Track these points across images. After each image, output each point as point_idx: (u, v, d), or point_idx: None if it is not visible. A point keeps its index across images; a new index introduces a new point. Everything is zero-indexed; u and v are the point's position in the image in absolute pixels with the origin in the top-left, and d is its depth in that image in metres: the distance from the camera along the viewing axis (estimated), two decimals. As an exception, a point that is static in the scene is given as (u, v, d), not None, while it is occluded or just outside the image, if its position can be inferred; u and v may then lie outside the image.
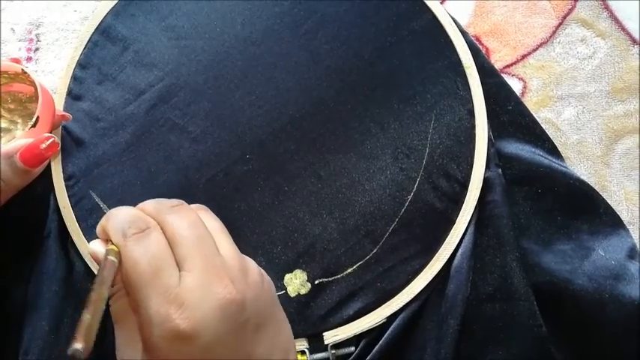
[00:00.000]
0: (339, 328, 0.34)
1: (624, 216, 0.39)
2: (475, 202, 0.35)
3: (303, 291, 0.35)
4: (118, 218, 0.24)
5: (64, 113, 0.36)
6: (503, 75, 0.41)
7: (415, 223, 0.35)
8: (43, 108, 0.31)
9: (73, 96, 0.38)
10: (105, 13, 0.39)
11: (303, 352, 0.34)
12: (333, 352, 0.34)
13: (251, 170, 0.36)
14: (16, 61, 0.34)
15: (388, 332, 0.34)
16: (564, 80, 0.41)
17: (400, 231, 0.35)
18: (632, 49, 0.41)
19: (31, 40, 0.43)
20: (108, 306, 0.23)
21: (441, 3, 0.42)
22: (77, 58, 0.38)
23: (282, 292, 0.35)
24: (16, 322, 0.35)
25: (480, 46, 0.41)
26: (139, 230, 0.23)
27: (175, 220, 0.24)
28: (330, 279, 0.35)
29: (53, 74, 0.42)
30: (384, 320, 0.34)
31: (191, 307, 0.21)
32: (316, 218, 0.35)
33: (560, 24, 0.42)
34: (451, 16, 0.38)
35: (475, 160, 0.36)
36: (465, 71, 0.37)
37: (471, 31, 0.42)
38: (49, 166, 0.36)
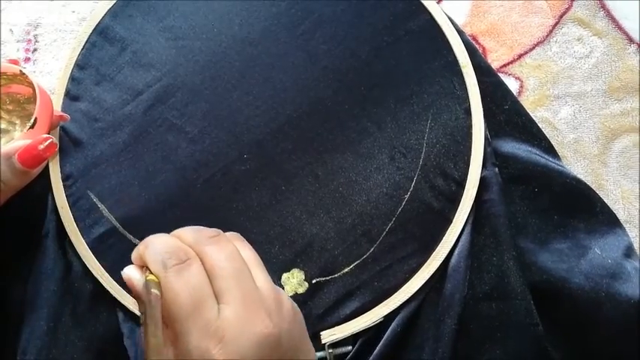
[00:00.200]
0: (336, 327, 0.34)
1: (621, 215, 0.39)
2: (472, 202, 0.35)
3: (301, 290, 0.35)
4: (157, 247, 0.23)
5: (62, 114, 0.36)
6: (500, 74, 0.41)
7: (412, 222, 0.35)
8: (41, 109, 0.32)
9: (70, 96, 0.38)
10: (103, 14, 0.39)
11: (300, 351, 0.34)
12: (330, 351, 0.34)
13: (249, 170, 0.36)
14: (14, 62, 0.34)
15: (387, 333, 0.34)
16: (561, 79, 0.42)
17: (397, 230, 0.35)
18: (629, 48, 0.41)
19: (30, 40, 0.43)
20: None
21: (438, 3, 0.42)
22: (75, 58, 0.38)
23: (280, 291, 0.35)
24: (15, 321, 0.35)
25: (477, 46, 0.41)
26: (179, 261, 0.23)
27: (214, 251, 0.24)
28: (327, 278, 0.35)
29: (51, 75, 0.43)
30: (381, 319, 0.34)
31: (230, 342, 0.21)
32: (314, 217, 0.36)
33: (556, 23, 0.42)
34: (448, 16, 0.38)
35: (472, 159, 0.36)
36: (461, 71, 0.37)
37: (467, 31, 0.42)
38: (47, 167, 0.36)
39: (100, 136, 0.37)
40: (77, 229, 0.36)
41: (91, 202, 0.36)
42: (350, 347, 0.34)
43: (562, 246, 0.36)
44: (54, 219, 0.36)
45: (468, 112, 0.36)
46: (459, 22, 0.42)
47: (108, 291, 0.35)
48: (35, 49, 0.43)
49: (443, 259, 0.34)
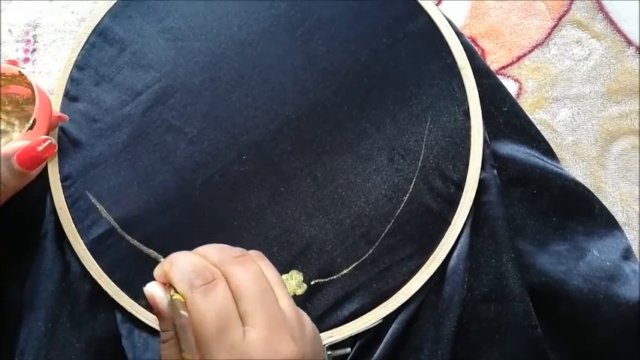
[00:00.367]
0: (334, 329, 0.34)
1: (619, 217, 0.39)
2: (471, 203, 0.35)
3: (299, 292, 0.35)
4: (183, 266, 0.23)
5: (60, 114, 0.36)
6: (499, 76, 0.41)
7: (411, 224, 0.35)
8: (40, 110, 0.32)
9: (69, 97, 0.38)
10: (102, 15, 0.39)
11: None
12: (329, 353, 0.34)
13: (247, 171, 0.36)
14: (13, 63, 0.34)
15: (387, 336, 0.34)
16: (560, 82, 0.42)
17: (396, 232, 0.35)
18: (628, 51, 0.42)
19: (29, 41, 0.43)
20: None
21: (437, 5, 0.42)
22: (74, 59, 0.38)
23: (278, 292, 0.35)
24: (13, 322, 0.35)
25: (476, 48, 0.41)
26: (205, 281, 0.23)
27: (240, 272, 0.24)
28: (326, 280, 0.35)
29: (50, 75, 0.43)
30: (380, 321, 0.34)
31: None
32: (312, 219, 0.36)
33: (555, 25, 0.42)
34: (447, 18, 0.38)
35: (470, 161, 0.36)
36: (460, 73, 0.37)
37: (466, 33, 0.42)
38: (46, 167, 0.36)
39: (98, 137, 0.37)
40: (75, 229, 0.36)
41: (90, 203, 0.36)
42: (349, 349, 0.34)
43: (560, 248, 0.36)
44: (52, 219, 0.36)
45: (466, 114, 0.36)
46: (458, 24, 0.42)
47: (106, 292, 0.35)
48: (34, 50, 0.43)
49: (442, 261, 0.35)
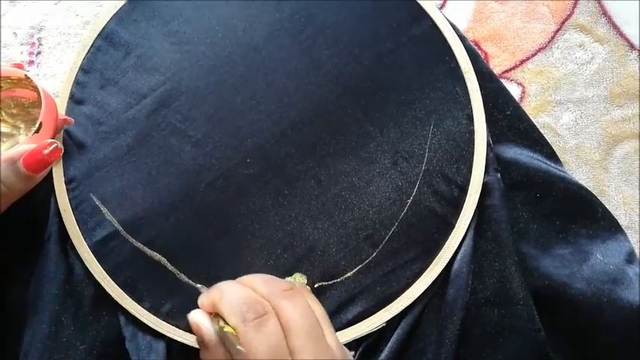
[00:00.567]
0: (338, 333, 0.34)
1: (622, 220, 0.39)
2: (474, 207, 0.35)
3: (303, 294, 0.35)
4: (233, 298, 0.23)
5: (66, 117, 0.36)
6: (502, 80, 0.41)
7: (415, 227, 0.35)
8: (45, 113, 0.32)
9: (75, 100, 0.38)
10: (108, 19, 0.39)
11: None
12: (333, 355, 0.34)
13: (251, 174, 0.36)
14: (19, 66, 0.34)
15: (392, 340, 0.34)
16: (563, 85, 0.42)
17: (400, 235, 0.35)
18: (631, 55, 0.42)
19: (33, 43, 0.43)
20: None
21: (440, 8, 0.43)
22: (80, 62, 0.38)
23: (282, 295, 0.35)
24: (16, 324, 0.35)
25: (479, 51, 0.41)
26: (257, 315, 0.23)
27: (289, 307, 0.24)
28: (329, 283, 0.35)
29: (55, 78, 0.43)
30: (384, 324, 0.34)
31: None
32: (316, 222, 0.36)
33: (558, 29, 0.42)
34: (450, 22, 0.38)
35: (474, 164, 0.36)
36: (463, 76, 0.37)
37: (469, 36, 0.42)
38: (50, 170, 0.36)
39: (103, 140, 0.37)
40: (79, 232, 0.36)
41: (94, 205, 0.36)
42: (352, 352, 0.34)
43: (564, 251, 0.36)
44: (56, 222, 0.36)
45: (470, 117, 0.37)
46: (462, 28, 0.42)
47: (109, 294, 0.35)
48: (39, 52, 0.43)
49: (445, 264, 0.35)
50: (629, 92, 0.41)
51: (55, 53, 0.43)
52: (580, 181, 0.38)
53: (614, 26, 0.42)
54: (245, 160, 0.37)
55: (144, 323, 0.34)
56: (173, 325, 0.34)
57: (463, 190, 0.35)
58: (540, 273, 0.35)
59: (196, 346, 0.34)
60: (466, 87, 0.37)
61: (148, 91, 0.38)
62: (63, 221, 0.36)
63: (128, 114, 0.38)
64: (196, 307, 0.35)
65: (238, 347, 0.22)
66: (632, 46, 0.42)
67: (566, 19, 0.42)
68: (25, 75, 0.33)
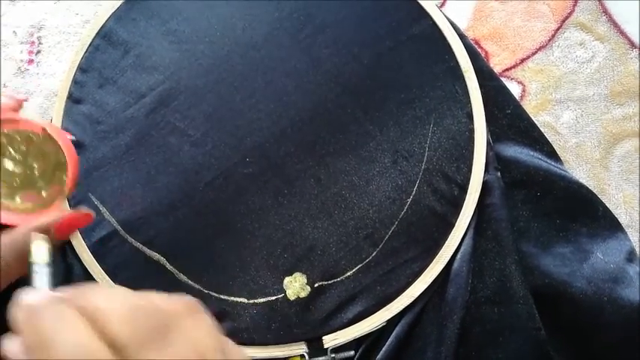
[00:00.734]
0: (338, 332, 0.34)
1: (623, 219, 0.39)
2: (474, 206, 0.35)
3: (303, 294, 0.35)
4: (55, 356, 0.15)
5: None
6: (502, 79, 0.41)
7: (415, 226, 0.35)
8: (71, 175, 0.28)
9: (73, 99, 0.38)
10: (106, 18, 0.39)
11: (302, 356, 0.34)
12: (333, 355, 0.34)
13: (251, 173, 0.36)
14: (16, 107, 0.29)
15: (390, 338, 0.34)
16: (563, 84, 0.42)
17: (400, 234, 0.35)
18: (631, 53, 0.42)
19: (33, 42, 0.43)
20: None
21: (440, 7, 0.42)
22: (78, 61, 0.38)
23: (282, 295, 0.35)
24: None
25: (479, 50, 0.41)
26: None
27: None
28: (329, 282, 0.35)
29: (55, 77, 0.43)
30: (384, 324, 0.34)
31: None
32: (316, 221, 0.36)
33: (559, 28, 0.42)
34: (450, 21, 0.38)
35: (474, 163, 0.36)
36: (463, 75, 0.37)
37: (470, 35, 0.42)
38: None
39: (102, 139, 0.37)
40: (78, 231, 0.36)
41: (93, 205, 0.36)
42: (352, 352, 0.34)
43: (564, 250, 0.36)
44: (55, 221, 0.36)
45: (470, 116, 0.36)
46: (462, 27, 0.42)
47: (109, 294, 0.35)
48: (39, 51, 0.43)
49: (445, 263, 0.34)
50: (629, 91, 0.41)
51: (54, 52, 0.43)
52: (580, 180, 0.38)
53: (615, 25, 0.42)
54: (244, 159, 0.36)
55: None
56: (172, 324, 0.34)
57: (463, 188, 0.35)
58: (541, 272, 0.35)
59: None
60: (466, 86, 0.37)
61: (147, 90, 0.38)
62: (62, 221, 0.36)
63: (127, 113, 0.37)
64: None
65: None
66: (632, 45, 0.42)
67: (566, 18, 0.42)
68: (43, 128, 0.28)
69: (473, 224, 0.35)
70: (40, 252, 0.24)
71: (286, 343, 0.34)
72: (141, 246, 0.35)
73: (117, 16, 0.39)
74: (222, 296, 0.35)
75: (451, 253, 0.35)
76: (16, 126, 0.28)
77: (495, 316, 0.34)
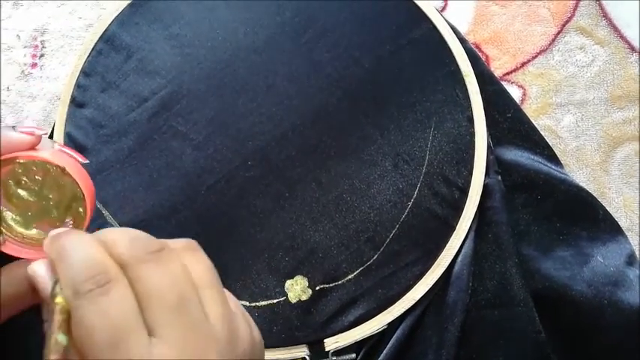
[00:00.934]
0: (340, 335, 0.34)
1: (623, 223, 0.39)
2: (475, 209, 0.35)
3: (304, 297, 0.35)
4: (73, 263, 0.18)
5: (82, 159, 0.31)
6: (503, 82, 0.41)
7: (416, 229, 0.35)
8: (89, 209, 0.26)
9: (76, 103, 0.38)
10: (109, 22, 0.39)
11: (303, 359, 0.34)
12: (334, 358, 0.34)
13: (252, 177, 0.37)
14: (33, 144, 0.25)
15: (391, 341, 0.34)
16: (563, 88, 0.42)
17: (401, 237, 0.35)
18: (631, 57, 0.42)
19: (36, 46, 0.43)
20: None
21: (441, 11, 0.43)
22: (81, 66, 0.39)
23: (283, 298, 0.35)
24: (18, 329, 0.35)
25: (480, 54, 0.41)
26: (96, 285, 0.17)
27: (153, 273, 0.18)
28: (331, 285, 0.35)
29: (58, 80, 0.43)
30: (385, 327, 0.34)
31: None
32: (317, 224, 0.36)
33: (559, 32, 0.42)
34: (450, 25, 0.38)
35: (475, 166, 0.36)
36: (464, 79, 0.37)
37: (470, 39, 0.42)
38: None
39: (104, 143, 0.37)
40: (82, 234, 0.36)
41: (95, 208, 0.36)
42: (354, 355, 0.34)
43: (564, 253, 0.36)
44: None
45: (470, 120, 0.37)
46: (462, 30, 0.42)
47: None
48: (42, 55, 0.43)
49: (446, 266, 0.35)
50: (629, 95, 0.41)
51: (58, 56, 0.43)
52: (581, 184, 0.38)
53: (615, 29, 0.42)
54: (246, 162, 0.37)
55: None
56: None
57: (464, 192, 0.36)
58: (541, 275, 0.35)
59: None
60: (466, 89, 0.37)
61: (149, 95, 0.38)
62: (65, 224, 0.36)
63: (129, 117, 0.38)
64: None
65: (57, 337, 0.17)
66: (632, 49, 0.42)
67: (566, 22, 0.42)
68: (63, 168, 0.26)
69: (473, 227, 0.35)
70: None
71: (288, 346, 0.34)
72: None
73: (120, 20, 0.39)
74: (224, 299, 0.35)
75: (452, 257, 0.35)
76: (32, 157, 0.26)
77: (496, 319, 0.34)
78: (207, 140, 0.37)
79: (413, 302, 0.34)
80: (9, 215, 0.26)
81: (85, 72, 0.39)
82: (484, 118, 0.37)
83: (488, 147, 0.36)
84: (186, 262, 0.20)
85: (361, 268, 0.35)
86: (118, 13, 0.39)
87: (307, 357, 0.34)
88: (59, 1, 0.44)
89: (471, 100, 0.37)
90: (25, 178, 0.27)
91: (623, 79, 0.41)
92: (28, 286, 0.23)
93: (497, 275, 0.35)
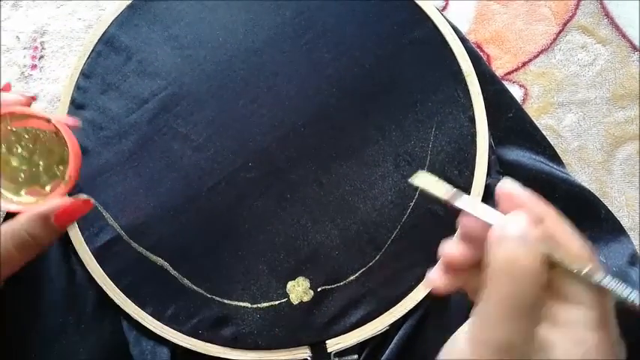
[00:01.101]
0: (341, 336, 0.34)
1: (625, 222, 0.39)
2: (476, 209, 0.35)
3: (306, 298, 0.35)
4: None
5: (73, 121, 0.33)
6: (504, 82, 0.41)
7: (417, 230, 0.35)
8: (73, 165, 0.28)
9: (76, 105, 0.38)
10: (109, 23, 0.39)
11: (306, 361, 0.34)
12: (336, 359, 0.34)
13: (253, 178, 0.36)
14: (29, 101, 0.29)
15: (393, 342, 0.34)
16: (565, 87, 0.42)
17: (403, 238, 0.35)
18: (633, 56, 0.42)
19: (36, 47, 0.43)
20: None
21: (442, 10, 0.42)
22: (81, 67, 0.38)
23: (285, 299, 0.35)
24: (18, 329, 0.35)
25: (481, 53, 0.41)
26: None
27: None
28: (332, 286, 0.35)
29: (58, 82, 0.43)
30: (387, 328, 0.34)
31: None
32: (318, 225, 0.36)
33: (560, 31, 0.42)
34: (452, 24, 0.38)
35: (476, 166, 0.36)
36: (465, 79, 0.37)
37: (471, 38, 0.42)
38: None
39: (105, 145, 0.37)
40: (81, 236, 0.36)
41: (96, 210, 0.36)
42: (356, 356, 0.34)
43: (567, 254, 0.36)
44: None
45: (472, 120, 0.37)
46: (463, 30, 0.42)
47: (112, 300, 0.35)
48: (42, 56, 0.43)
49: (448, 268, 0.34)
50: (631, 94, 0.41)
51: (57, 57, 0.43)
52: (583, 183, 0.38)
53: (617, 27, 0.42)
54: (247, 164, 0.37)
55: (147, 328, 0.34)
56: (176, 329, 0.34)
57: (465, 192, 0.35)
58: (543, 275, 0.35)
59: (200, 350, 0.34)
60: (468, 89, 0.37)
61: (150, 96, 0.38)
62: (65, 226, 0.36)
63: (130, 119, 0.38)
64: (198, 309, 0.35)
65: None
66: (634, 48, 0.42)
67: (568, 21, 0.42)
68: (47, 119, 0.29)
69: (475, 228, 0.35)
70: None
71: (290, 347, 0.34)
72: (144, 251, 0.35)
73: (119, 21, 0.39)
74: (225, 301, 0.35)
75: (454, 257, 0.35)
76: (25, 123, 0.29)
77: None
78: (207, 142, 0.37)
79: (415, 303, 0.34)
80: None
81: (85, 73, 0.38)
82: (485, 117, 0.36)
83: (490, 147, 0.36)
84: None
85: (363, 269, 0.35)
86: (117, 14, 0.39)
87: (309, 358, 0.34)
88: (59, 1, 0.44)
89: (473, 100, 0.37)
90: (17, 146, 0.29)
91: (625, 78, 0.41)
92: (15, 244, 0.25)
93: (500, 275, 0.35)
